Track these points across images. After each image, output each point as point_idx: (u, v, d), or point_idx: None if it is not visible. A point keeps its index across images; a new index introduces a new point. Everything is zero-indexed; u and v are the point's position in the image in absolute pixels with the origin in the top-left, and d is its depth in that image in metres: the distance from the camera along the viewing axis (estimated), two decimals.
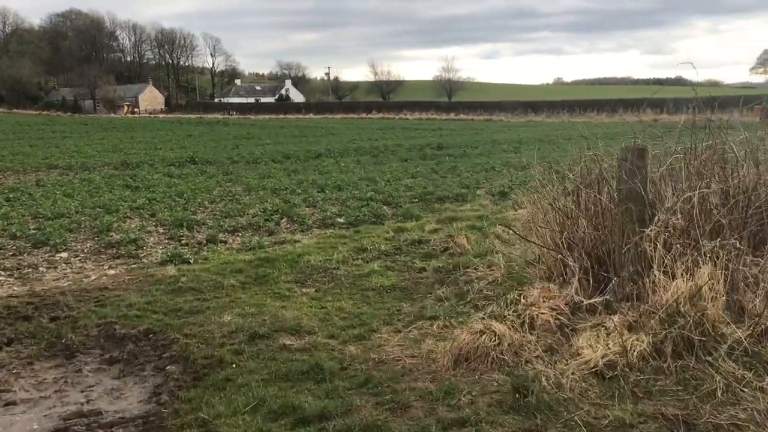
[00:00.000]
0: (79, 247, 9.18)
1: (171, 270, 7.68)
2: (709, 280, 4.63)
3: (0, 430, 4.18)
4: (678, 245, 4.95)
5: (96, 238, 9.62)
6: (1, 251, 8.87)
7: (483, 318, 5.12)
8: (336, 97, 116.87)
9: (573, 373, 4.34)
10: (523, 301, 5.26)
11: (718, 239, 4.99)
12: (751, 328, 4.58)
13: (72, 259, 8.55)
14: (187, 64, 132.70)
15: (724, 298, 4.66)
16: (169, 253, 8.53)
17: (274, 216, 11.27)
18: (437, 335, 5.35)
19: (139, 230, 10.13)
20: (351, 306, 6.32)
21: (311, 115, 75.62)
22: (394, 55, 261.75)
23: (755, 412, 3.88)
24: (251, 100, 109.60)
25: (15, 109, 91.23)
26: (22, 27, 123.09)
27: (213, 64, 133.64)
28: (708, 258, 4.86)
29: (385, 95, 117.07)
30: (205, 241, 9.42)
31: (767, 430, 3.72)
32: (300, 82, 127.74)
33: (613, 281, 5.25)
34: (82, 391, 4.72)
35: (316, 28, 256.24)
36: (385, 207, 12.12)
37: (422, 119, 63.30)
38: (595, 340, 4.63)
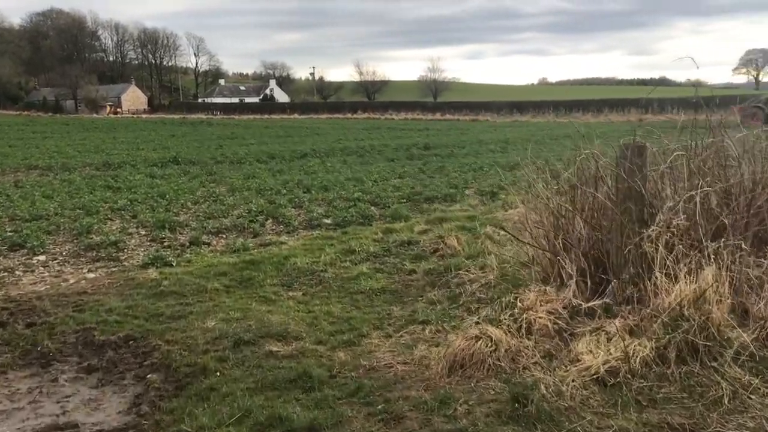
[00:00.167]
0: (57, 249, 8.91)
1: (152, 273, 7.43)
2: (714, 282, 4.47)
3: None
4: (680, 246, 4.79)
5: (75, 241, 9.34)
6: None
7: (478, 322, 4.94)
8: (321, 97, 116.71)
9: (573, 381, 4.16)
10: (519, 304, 5.09)
11: (722, 240, 4.84)
12: (757, 332, 4.44)
13: (50, 262, 8.28)
14: (170, 64, 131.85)
15: (729, 300, 4.50)
16: (150, 256, 8.29)
17: (259, 217, 11.03)
18: (430, 340, 5.16)
19: (119, 232, 9.87)
20: (339, 310, 6.11)
21: (296, 115, 75.18)
22: (380, 56, 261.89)
23: (764, 421, 3.74)
24: (235, 100, 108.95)
25: None
26: (1, 26, 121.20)
27: (197, 64, 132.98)
28: (711, 259, 4.70)
29: (371, 95, 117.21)
30: (188, 243, 9.18)
31: None
32: (285, 82, 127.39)
33: (613, 283, 5.07)
34: (58, 402, 4.48)
35: (301, 28, 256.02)
36: (372, 207, 11.92)
37: (408, 119, 63.10)
38: (595, 346, 4.45)
